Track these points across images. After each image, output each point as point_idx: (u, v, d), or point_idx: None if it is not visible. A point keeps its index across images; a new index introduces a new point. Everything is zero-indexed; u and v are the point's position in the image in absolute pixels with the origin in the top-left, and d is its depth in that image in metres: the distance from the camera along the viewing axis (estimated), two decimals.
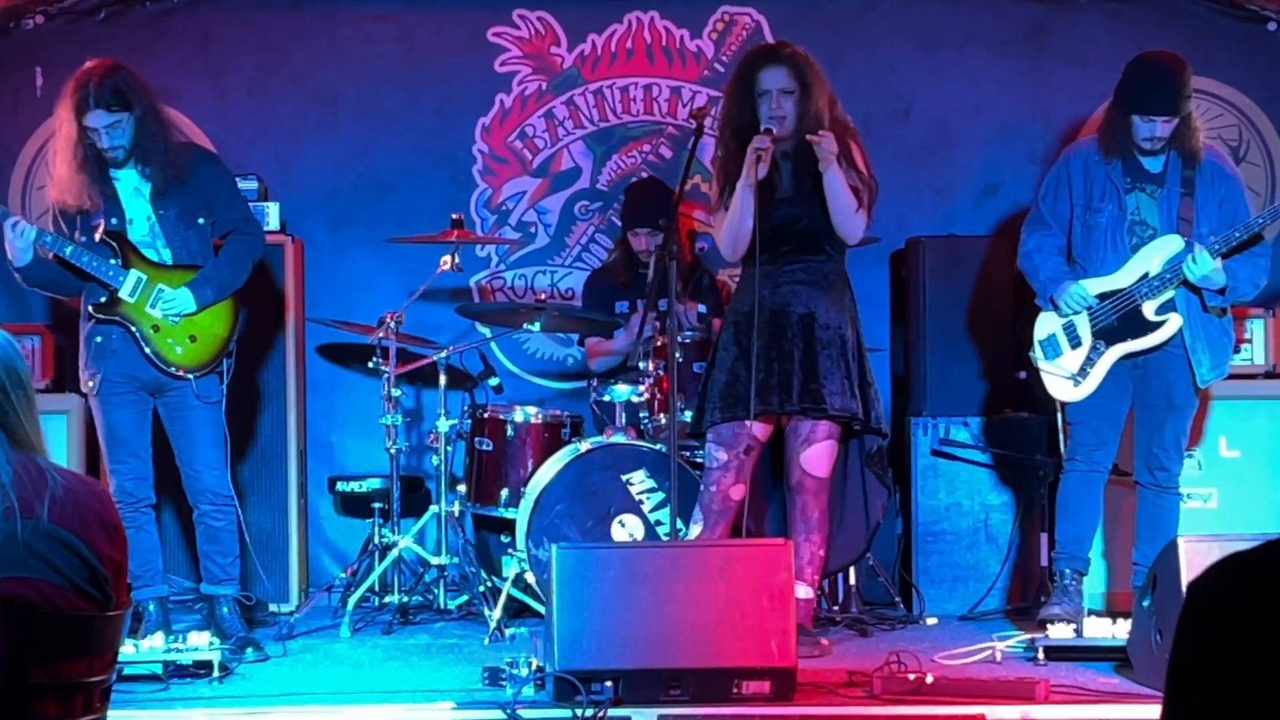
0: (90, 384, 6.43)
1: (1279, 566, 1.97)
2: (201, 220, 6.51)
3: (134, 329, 6.38)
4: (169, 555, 6.97)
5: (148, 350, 6.38)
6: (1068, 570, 6.64)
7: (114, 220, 6.39)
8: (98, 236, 6.36)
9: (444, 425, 7.23)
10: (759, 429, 6.34)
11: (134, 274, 6.37)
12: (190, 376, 6.43)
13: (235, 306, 6.58)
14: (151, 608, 6.46)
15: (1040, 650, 6.00)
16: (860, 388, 6.33)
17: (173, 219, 6.45)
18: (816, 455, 6.34)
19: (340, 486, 7.83)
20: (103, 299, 6.37)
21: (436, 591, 7.26)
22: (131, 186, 6.43)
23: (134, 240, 6.40)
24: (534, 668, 5.53)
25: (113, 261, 6.35)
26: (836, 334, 6.31)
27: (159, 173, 6.39)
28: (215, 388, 6.51)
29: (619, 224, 7.91)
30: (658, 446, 6.89)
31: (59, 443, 7.15)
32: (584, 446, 6.97)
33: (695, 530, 6.29)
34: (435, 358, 7.28)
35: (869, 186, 6.34)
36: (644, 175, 8.13)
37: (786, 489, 6.45)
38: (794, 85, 6.28)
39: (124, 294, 6.36)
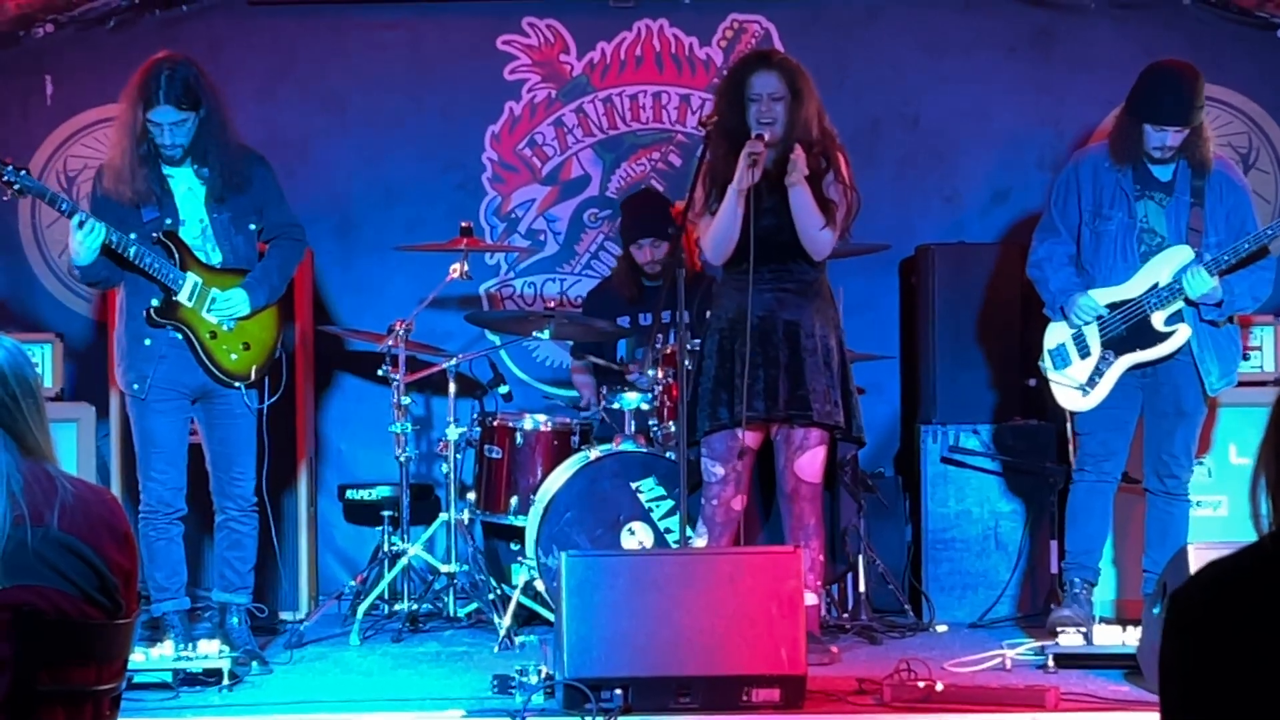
0: (135, 385, 6.32)
1: (1255, 572, 1.99)
2: (253, 225, 6.46)
3: (191, 334, 6.32)
4: None
5: (204, 357, 6.32)
6: (1077, 579, 6.63)
7: (168, 220, 6.31)
8: (154, 237, 6.29)
9: (453, 433, 7.24)
10: (749, 436, 6.35)
11: (191, 277, 6.29)
12: (240, 385, 6.41)
13: (281, 315, 6.57)
14: (175, 620, 6.41)
15: (1050, 658, 6.00)
16: (843, 395, 6.36)
17: (225, 222, 6.38)
18: (809, 462, 6.37)
19: (350, 494, 7.82)
20: (157, 302, 6.29)
21: (446, 599, 7.26)
22: (185, 186, 6.36)
23: (186, 241, 6.33)
24: (544, 675, 5.52)
25: (170, 263, 6.30)
26: (821, 342, 6.33)
27: (217, 176, 6.32)
28: (256, 398, 6.49)
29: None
30: (667, 454, 6.89)
31: (68, 451, 7.15)
32: (593, 454, 6.97)
33: (699, 544, 6.29)
34: (445, 365, 7.28)
35: (849, 200, 6.36)
36: (640, 188, 8.13)
37: (781, 497, 6.46)
38: (785, 91, 6.29)
39: (182, 298, 6.28)
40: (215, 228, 6.38)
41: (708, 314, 6.51)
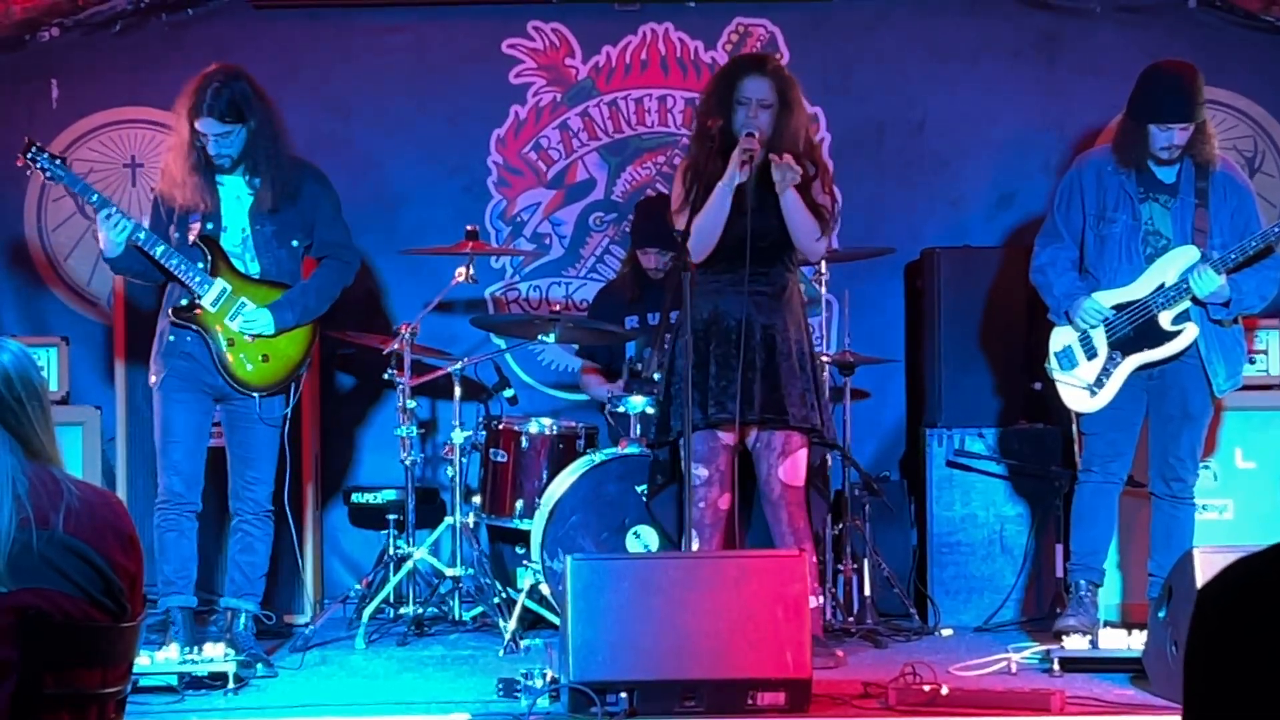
0: (156, 376, 6.40)
1: None
2: (296, 242, 6.50)
3: (208, 339, 6.34)
4: None
5: (218, 362, 6.35)
6: (1083, 581, 6.63)
7: (209, 225, 6.36)
8: (191, 239, 6.33)
9: (459, 437, 7.24)
10: (727, 435, 6.34)
11: (219, 283, 6.33)
12: (256, 395, 6.42)
13: (313, 331, 6.57)
14: (179, 617, 6.42)
15: (1055, 661, 6.00)
16: (817, 399, 6.35)
17: (268, 235, 6.42)
18: (793, 466, 6.36)
19: (355, 498, 7.83)
20: (183, 303, 6.33)
21: (451, 603, 7.26)
22: (234, 195, 6.41)
23: (225, 248, 6.38)
24: (549, 679, 5.53)
25: (200, 266, 6.31)
26: (796, 346, 6.33)
27: (266, 187, 6.37)
28: (279, 408, 6.49)
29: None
30: None
31: (74, 454, 7.16)
32: (599, 458, 6.97)
33: (693, 547, 6.28)
34: (450, 369, 7.28)
35: (832, 210, 6.42)
36: (656, 191, 8.12)
37: (767, 504, 6.43)
38: (774, 99, 6.28)
39: (205, 302, 6.32)
40: (256, 239, 6.42)
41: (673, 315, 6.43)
